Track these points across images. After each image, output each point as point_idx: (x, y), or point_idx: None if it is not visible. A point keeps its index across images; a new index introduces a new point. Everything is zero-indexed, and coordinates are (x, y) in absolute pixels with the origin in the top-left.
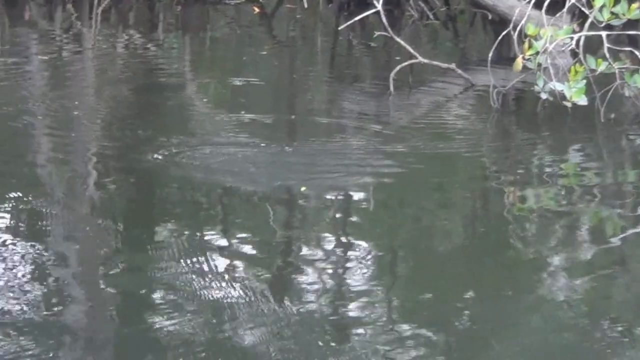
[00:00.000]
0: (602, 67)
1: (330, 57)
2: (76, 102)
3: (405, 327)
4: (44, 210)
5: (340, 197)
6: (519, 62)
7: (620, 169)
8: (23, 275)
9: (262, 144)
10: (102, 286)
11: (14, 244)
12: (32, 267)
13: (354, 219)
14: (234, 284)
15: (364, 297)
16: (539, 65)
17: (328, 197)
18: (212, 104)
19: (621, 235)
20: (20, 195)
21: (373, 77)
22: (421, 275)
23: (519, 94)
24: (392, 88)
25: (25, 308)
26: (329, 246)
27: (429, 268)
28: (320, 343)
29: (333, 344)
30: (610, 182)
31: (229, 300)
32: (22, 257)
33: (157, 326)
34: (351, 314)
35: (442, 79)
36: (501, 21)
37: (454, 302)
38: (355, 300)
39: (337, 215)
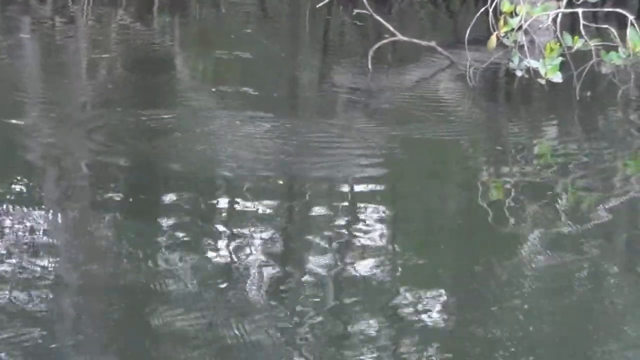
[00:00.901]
0: (578, 44)
1: (316, 35)
2: (67, 79)
3: (411, 292)
4: (36, 191)
5: (325, 180)
6: (493, 40)
7: (593, 146)
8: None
9: (248, 119)
10: (103, 270)
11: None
12: (25, 244)
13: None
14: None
15: (370, 279)
16: (515, 42)
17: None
18: (198, 79)
19: (596, 209)
20: (14, 178)
21: (356, 54)
22: (421, 248)
23: (498, 72)
24: (370, 65)
25: (29, 294)
26: (325, 225)
27: (426, 244)
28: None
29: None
30: (583, 159)
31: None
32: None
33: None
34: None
35: (427, 57)
36: None
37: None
38: (362, 280)
39: (329, 199)
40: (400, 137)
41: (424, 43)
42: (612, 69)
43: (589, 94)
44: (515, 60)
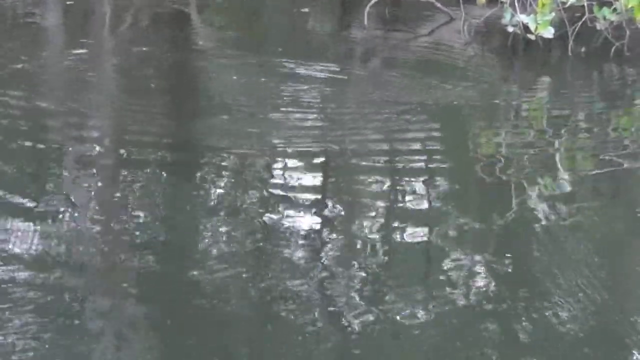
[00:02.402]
0: None
1: None
2: (93, 41)
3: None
4: (59, 154)
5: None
6: None
7: (585, 102)
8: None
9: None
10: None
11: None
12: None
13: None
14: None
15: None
16: None
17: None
18: (212, 30)
19: (591, 166)
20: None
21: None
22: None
23: (495, 27)
24: (366, 22)
25: (72, 247)
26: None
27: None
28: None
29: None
30: (577, 115)
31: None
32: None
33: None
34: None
35: (428, 14)
36: None
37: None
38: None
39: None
40: (385, 99)
41: None
42: (607, 25)
43: (583, 49)
44: (507, 16)
